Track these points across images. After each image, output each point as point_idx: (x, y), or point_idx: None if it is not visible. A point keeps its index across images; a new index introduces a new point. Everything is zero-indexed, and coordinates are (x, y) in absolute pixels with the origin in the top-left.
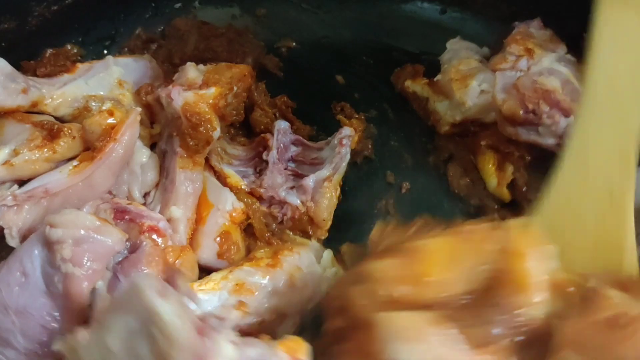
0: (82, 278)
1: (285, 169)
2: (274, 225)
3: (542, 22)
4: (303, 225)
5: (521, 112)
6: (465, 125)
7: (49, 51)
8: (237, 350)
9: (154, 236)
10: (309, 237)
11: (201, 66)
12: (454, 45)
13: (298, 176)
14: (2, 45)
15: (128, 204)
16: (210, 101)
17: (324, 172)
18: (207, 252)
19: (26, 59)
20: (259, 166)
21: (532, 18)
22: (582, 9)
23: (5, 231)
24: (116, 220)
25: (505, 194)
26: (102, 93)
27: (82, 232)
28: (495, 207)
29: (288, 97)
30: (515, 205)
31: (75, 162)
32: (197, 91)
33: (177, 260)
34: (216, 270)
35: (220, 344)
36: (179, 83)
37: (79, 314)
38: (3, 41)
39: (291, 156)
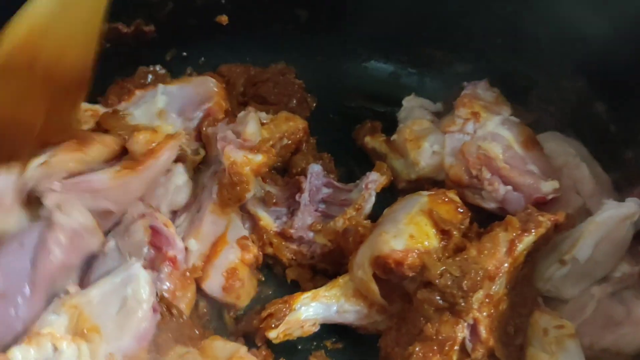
0: (57, 261)
1: (315, 210)
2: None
3: (490, 81)
4: (334, 258)
5: (466, 177)
6: (420, 183)
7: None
8: None
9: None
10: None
11: (263, 114)
12: (409, 102)
13: (328, 216)
14: None
15: (164, 223)
16: (255, 167)
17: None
18: (213, 283)
19: None
20: (292, 206)
21: (485, 75)
22: (531, 66)
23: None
24: (150, 245)
25: None
26: (143, 123)
27: (80, 228)
28: None
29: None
30: None
31: (117, 168)
32: (247, 154)
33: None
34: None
35: None
36: (236, 131)
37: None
38: None
39: (322, 198)
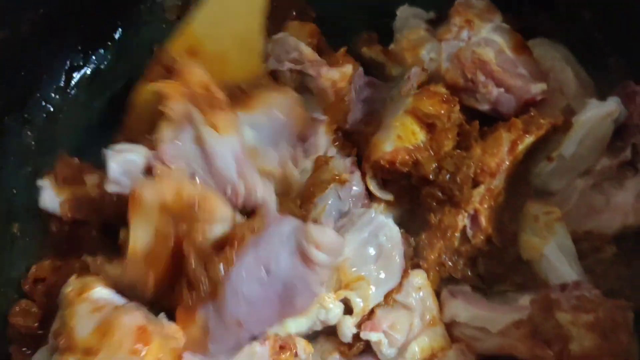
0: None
1: (361, 107)
2: None
3: None
4: None
5: (462, 80)
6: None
7: None
8: None
9: None
10: None
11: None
12: (404, 12)
13: (372, 113)
14: None
15: None
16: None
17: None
18: None
19: None
20: None
21: None
22: None
23: None
24: None
25: None
26: None
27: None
28: None
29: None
30: None
31: None
32: (340, 69)
33: None
34: None
35: None
36: (292, 60)
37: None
38: None
39: (366, 96)
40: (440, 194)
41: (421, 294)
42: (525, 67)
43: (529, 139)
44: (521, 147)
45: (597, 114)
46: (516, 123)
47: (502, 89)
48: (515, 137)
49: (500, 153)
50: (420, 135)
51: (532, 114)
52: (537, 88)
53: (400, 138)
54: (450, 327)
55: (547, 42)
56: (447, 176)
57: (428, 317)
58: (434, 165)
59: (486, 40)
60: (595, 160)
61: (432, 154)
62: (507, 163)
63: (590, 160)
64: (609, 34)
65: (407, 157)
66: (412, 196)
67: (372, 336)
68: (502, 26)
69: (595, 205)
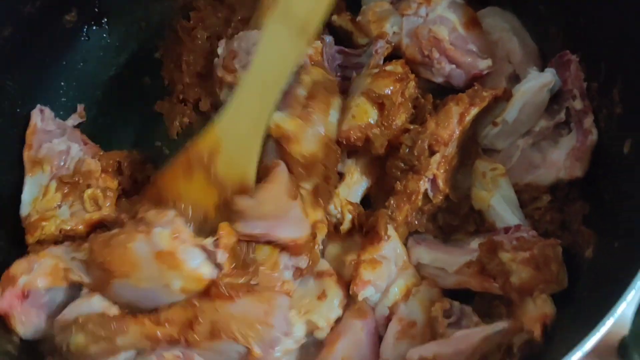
0: None
1: (336, 75)
2: None
3: None
4: None
5: (419, 56)
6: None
7: None
8: None
9: None
10: None
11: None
12: None
13: (345, 78)
14: None
15: None
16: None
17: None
18: None
19: None
20: None
21: None
22: None
23: None
24: None
25: None
26: None
27: None
28: None
29: None
30: None
31: None
32: (312, 46)
33: None
34: None
35: None
36: None
37: None
38: None
39: (337, 64)
40: (402, 164)
41: (392, 244)
42: (474, 43)
43: (474, 110)
44: (468, 118)
45: (535, 84)
46: (463, 98)
47: (453, 65)
48: (463, 110)
49: (451, 125)
50: (371, 114)
51: (475, 87)
52: (483, 64)
53: (354, 117)
54: (416, 268)
55: (497, 11)
56: (407, 149)
57: (400, 262)
58: (383, 141)
59: (441, 18)
60: (534, 122)
61: (384, 129)
62: (458, 132)
63: (530, 123)
64: (550, 6)
65: (359, 134)
66: (381, 166)
67: (367, 292)
68: (456, 2)
69: (534, 162)
